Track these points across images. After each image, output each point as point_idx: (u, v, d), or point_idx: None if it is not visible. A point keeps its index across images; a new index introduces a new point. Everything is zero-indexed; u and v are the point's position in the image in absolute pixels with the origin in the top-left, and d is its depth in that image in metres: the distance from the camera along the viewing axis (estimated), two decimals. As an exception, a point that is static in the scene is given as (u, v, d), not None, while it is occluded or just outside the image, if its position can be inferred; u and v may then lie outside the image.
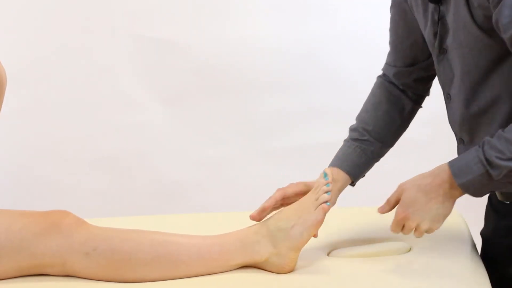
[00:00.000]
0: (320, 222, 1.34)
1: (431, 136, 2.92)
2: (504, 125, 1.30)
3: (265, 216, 1.43)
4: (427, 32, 1.44)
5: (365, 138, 1.57)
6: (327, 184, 1.35)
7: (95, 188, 3.02)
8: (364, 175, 1.59)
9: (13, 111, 2.81)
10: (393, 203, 1.37)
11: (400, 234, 1.57)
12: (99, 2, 2.96)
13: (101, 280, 1.33)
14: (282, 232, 1.34)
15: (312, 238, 1.37)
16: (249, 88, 2.98)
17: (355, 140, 1.58)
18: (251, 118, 3.00)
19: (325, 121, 2.94)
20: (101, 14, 2.97)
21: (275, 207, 1.45)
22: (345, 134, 1.62)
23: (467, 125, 1.39)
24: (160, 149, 3.03)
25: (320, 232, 1.36)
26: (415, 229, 1.34)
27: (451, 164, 1.30)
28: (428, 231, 1.34)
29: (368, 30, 2.91)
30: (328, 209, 1.34)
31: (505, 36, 1.23)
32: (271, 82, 2.98)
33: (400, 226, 1.35)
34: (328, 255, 1.50)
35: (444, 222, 1.53)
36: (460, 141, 1.44)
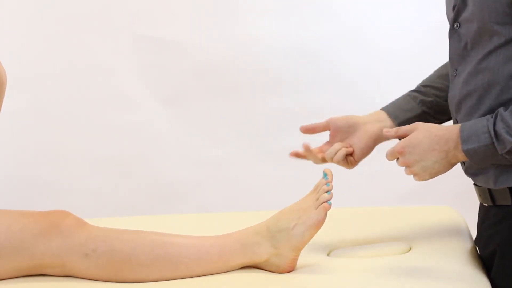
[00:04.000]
0: (322, 221, 1.34)
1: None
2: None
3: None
4: (447, 4, 1.44)
5: (419, 89, 1.57)
6: (327, 183, 1.35)
7: (95, 188, 3.02)
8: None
9: (12, 111, 2.81)
10: (400, 134, 1.37)
11: (400, 234, 1.58)
12: (99, 1, 2.96)
13: (100, 280, 1.33)
14: (283, 233, 1.34)
15: (312, 238, 1.37)
16: (250, 88, 2.98)
17: (410, 91, 1.58)
18: (251, 118, 2.99)
19: (326, 121, 2.93)
20: (101, 14, 2.96)
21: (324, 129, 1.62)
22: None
23: (463, 104, 1.37)
24: (160, 149, 3.02)
25: (320, 232, 1.36)
26: (406, 166, 1.34)
27: (462, 128, 1.30)
28: (415, 176, 1.34)
29: (370, 31, 2.91)
30: (329, 208, 1.34)
31: None
32: (271, 82, 2.97)
33: (394, 157, 1.35)
34: (328, 255, 1.50)
35: (444, 222, 1.53)
36: (454, 122, 1.43)
